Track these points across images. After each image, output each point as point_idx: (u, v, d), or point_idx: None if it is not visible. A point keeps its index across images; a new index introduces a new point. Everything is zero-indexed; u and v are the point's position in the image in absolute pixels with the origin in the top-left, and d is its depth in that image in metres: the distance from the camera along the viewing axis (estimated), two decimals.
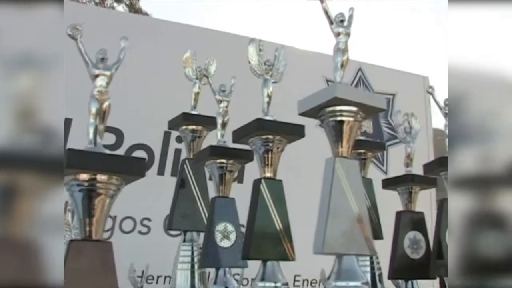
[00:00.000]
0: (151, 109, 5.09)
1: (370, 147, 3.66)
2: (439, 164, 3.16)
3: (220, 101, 3.10)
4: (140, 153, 5.29)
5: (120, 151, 5.02)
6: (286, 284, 2.68)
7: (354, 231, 2.31)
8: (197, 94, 3.54)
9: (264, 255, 2.64)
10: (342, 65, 2.43)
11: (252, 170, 3.03)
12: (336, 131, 2.38)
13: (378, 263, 3.61)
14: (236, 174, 3.12)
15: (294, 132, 2.75)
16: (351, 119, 2.38)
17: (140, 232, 5.02)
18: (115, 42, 2.28)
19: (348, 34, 2.47)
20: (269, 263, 2.68)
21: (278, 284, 2.64)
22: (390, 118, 6.02)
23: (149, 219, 5.05)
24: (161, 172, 5.29)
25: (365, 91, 2.40)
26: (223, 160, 3.01)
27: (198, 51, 3.69)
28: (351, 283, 2.27)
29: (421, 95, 6.05)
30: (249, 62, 2.84)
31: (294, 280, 5.50)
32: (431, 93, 3.23)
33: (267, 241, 2.64)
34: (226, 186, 3.05)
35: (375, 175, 3.53)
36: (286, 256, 2.65)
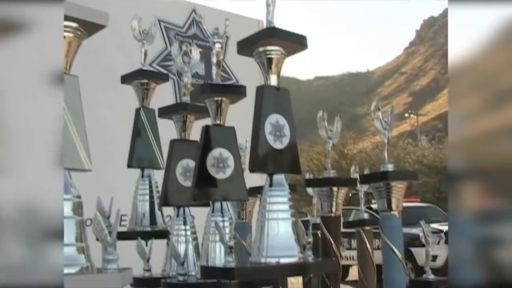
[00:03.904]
0: None
1: (155, 77, 3.69)
2: (202, 90, 3.22)
3: None
4: None
5: None
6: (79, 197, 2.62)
7: (66, 146, 2.32)
8: None
9: None
10: None
11: None
12: None
13: (158, 192, 3.68)
14: None
15: None
16: (71, 34, 2.35)
17: None
18: None
19: None
20: None
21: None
22: (223, 60, 6.10)
23: None
24: None
25: (87, 8, 2.37)
26: None
27: None
28: (65, 196, 2.30)
29: None
30: None
31: None
32: (200, 22, 3.28)
33: None
34: None
35: None
36: None
